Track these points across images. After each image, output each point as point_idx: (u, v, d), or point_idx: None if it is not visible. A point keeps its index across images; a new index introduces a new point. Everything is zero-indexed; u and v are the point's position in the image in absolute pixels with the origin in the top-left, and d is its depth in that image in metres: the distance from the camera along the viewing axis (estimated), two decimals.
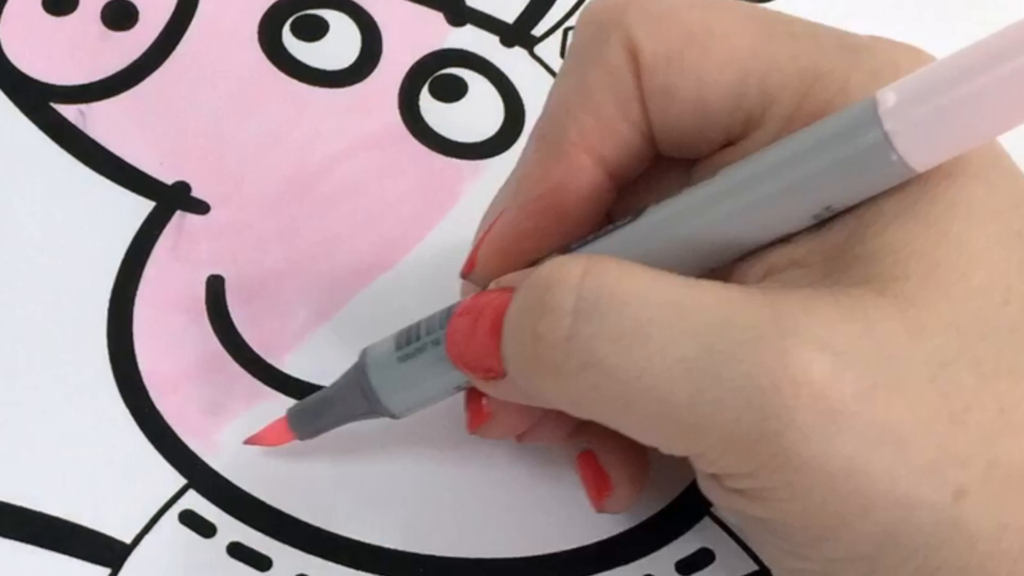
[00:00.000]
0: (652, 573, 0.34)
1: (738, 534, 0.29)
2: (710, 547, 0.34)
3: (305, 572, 0.33)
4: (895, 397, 0.25)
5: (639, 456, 0.32)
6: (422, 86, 0.41)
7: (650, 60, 0.29)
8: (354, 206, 0.39)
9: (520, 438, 0.33)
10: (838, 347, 0.25)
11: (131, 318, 0.36)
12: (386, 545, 0.34)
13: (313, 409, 0.34)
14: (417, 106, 0.40)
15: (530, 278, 0.28)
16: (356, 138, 0.40)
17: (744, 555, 0.34)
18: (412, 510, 0.34)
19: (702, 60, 0.29)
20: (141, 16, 0.41)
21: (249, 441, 0.34)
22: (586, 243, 0.30)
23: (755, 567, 0.34)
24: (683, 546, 0.34)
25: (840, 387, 0.25)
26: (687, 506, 0.35)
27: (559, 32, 0.42)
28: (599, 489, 0.32)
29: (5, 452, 0.34)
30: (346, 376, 0.33)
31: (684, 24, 0.29)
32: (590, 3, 0.31)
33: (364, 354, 0.32)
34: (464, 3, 0.42)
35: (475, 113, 0.40)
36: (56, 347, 0.36)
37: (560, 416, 0.31)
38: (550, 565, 0.34)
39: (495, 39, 0.42)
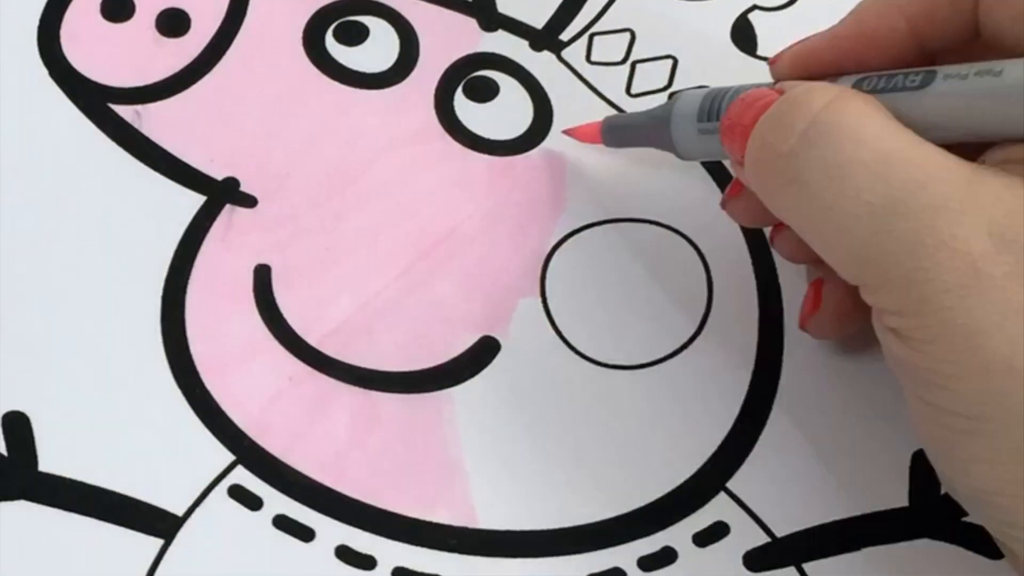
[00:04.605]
0: (671, 545, 0.35)
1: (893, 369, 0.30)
2: (725, 520, 0.35)
3: (346, 543, 0.34)
4: None
5: (854, 303, 0.33)
6: (456, 87, 0.41)
7: None
8: (392, 199, 0.39)
9: (772, 238, 0.36)
10: (1009, 235, 0.27)
11: (183, 305, 0.37)
12: (421, 517, 0.35)
13: (622, 127, 0.38)
14: (452, 106, 0.41)
15: (787, 93, 0.30)
16: (394, 136, 0.40)
17: (757, 528, 0.35)
18: (442, 484, 0.35)
19: None
20: (193, 24, 0.42)
21: (566, 131, 0.39)
22: (874, 86, 0.30)
23: (767, 539, 0.35)
24: (700, 519, 0.35)
25: (995, 264, 0.27)
26: (704, 482, 0.35)
27: (585, 37, 0.42)
28: (808, 307, 0.35)
29: (66, 431, 0.35)
30: (657, 111, 0.36)
31: None
32: None
33: (673, 106, 0.35)
34: (496, 10, 0.43)
35: (506, 113, 0.41)
36: (113, 333, 0.37)
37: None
38: (572, 538, 0.35)
39: (525, 43, 0.42)
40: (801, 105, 0.29)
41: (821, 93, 0.30)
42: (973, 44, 0.31)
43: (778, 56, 0.34)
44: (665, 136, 0.36)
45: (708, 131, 0.34)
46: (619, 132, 0.38)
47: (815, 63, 0.33)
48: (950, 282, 0.27)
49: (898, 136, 0.28)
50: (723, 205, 0.36)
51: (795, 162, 0.29)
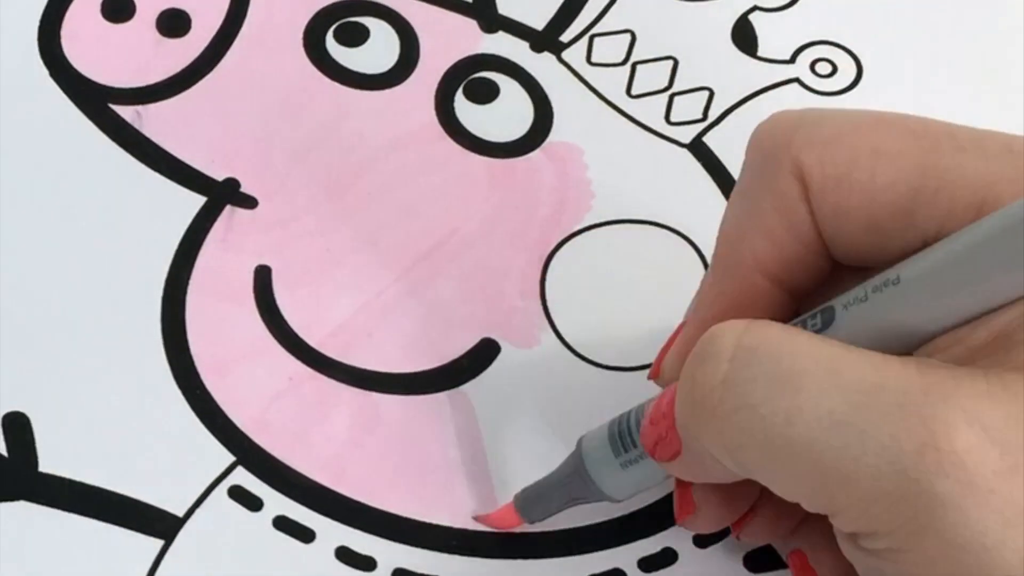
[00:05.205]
0: (671, 545, 0.35)
1: None
2: None
3: (347, 544, 0.34)
4: None
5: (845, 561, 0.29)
6: (457, 89, 0.41)
7: (819, 184, 0.28)
8: (392, 200, 0.39)
9: (736, 533, 0.33)
10: (985, 422, 0.24)
11: (184, 305, 0.37)
12: (421, 518, 0.34)
13: (536, 496, 0.34)
14: (452, 107, 0.41)
15: (704, 335, 0.28)
16: (395, 137, 0.40)
17: None
18: (442, 485, 0.35)
19: (870, 181, 0.28)
20: (194, 24, 0.42)
21: (478, 519, 0.34)
22: None
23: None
24: None
25: (983, 462, 0.24)
26: None
27: (585, 38, 0.42)
28: None
29: (66, 432, 0.35)
30: (568, 467, 0.33)
31: (850, 147, 0.28)
32: (759, 126, 0.30)
33: (582, 449, 0.33)
34: (497, 11, 0.43)
35: (506, 114, 0.41)
36: (113, 333, 0.37)
37: (775, 514, 0.32)
38: (573, 538, 0.35)
39: (525, 45, 0.42)
40: (720, 336, 0.27)
41: (735, 322, 0.28)
42: (840, 274, 0.30)
43: (658, 363, 0.32)
44: (589, 486, 0.33)
45: (632, 460, 0.32)
46: (537, 502, 0.34)
47: None
48: (944, 492, 0.24)
49: (828, 344, 0.27)
50: (679, 523, 0.33)
51: (734, 387, 0.27)
